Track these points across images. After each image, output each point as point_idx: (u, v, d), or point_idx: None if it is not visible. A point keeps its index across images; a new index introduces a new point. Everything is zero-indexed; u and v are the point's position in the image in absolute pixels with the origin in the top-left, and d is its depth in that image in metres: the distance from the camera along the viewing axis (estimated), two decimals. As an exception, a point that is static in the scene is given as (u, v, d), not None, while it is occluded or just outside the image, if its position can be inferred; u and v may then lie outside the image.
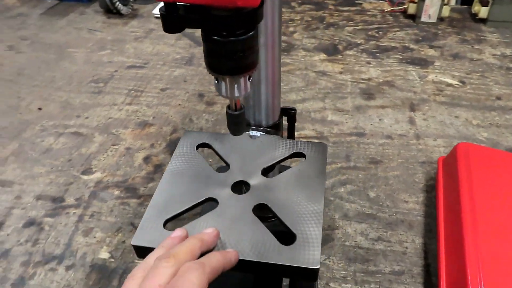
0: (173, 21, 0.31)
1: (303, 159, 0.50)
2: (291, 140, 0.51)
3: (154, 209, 0.43)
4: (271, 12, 0.45)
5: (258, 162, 0.48)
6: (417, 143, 0.83)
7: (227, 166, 0.48)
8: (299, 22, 1.32)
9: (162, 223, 0.41)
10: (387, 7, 1.39)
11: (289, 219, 0.42)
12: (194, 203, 0.43)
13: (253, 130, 0.54)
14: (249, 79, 0.37)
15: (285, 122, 0.59)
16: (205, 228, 0.40)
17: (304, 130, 0.87)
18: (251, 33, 0.33)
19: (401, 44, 1.19)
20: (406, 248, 0.64)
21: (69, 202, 0.73)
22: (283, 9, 1.40)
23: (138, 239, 0.40)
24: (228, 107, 0.40)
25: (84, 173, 0.79)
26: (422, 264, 0.62)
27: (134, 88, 1.04)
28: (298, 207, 0.43)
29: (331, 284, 0.60)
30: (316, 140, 0.84)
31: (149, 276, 0.33)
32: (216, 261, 0.35)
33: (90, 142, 0.87)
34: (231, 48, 0.32)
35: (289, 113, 0.59)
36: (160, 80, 1.06)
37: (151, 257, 0.35)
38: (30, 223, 0.70)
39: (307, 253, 0.39)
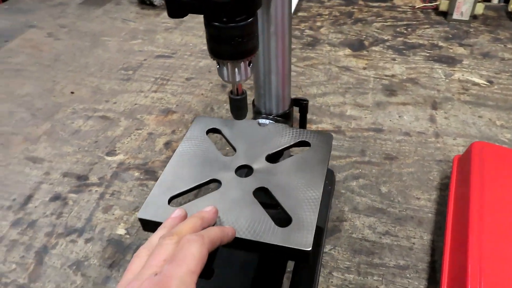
0: (176, 6, 0.33)
1: (308, 148, 0.51)
2: (298, 129, 0.53)
3: (161, 186, 0.46)
4: (281, 0, 0.46)
5: (263, 148, 0.50)
6: (435, 141, 0.82)
7: (234, 150, 0.50)
8: (327, 17, 1.32)
9: (167, 200, 0.44)
10: (419, 4, 1.36)
11: (287, 203, 0.43)
12: (198, 183, 0.46)
13: (263, 118, 0.55)
14: (249, 64, 0.39)
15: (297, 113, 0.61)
16: (207, 205, 0.42)
17: (322, 123, 0.88)
18: (250, 19, 0.35)
19: (430, 41, 1.16)
20: (413, 244, 0.64)
21: (92, 181, 0.78)
22: (311, 4, 1.40)
23: (144, 213, 0.43)
24: (231, 92, 0.41)
25: (108, 154, 0.84)
26: (428, 261, 0.62)
27: (160, 77, 1.08)
28: (297, 192, 0.44)
29: (334, 274, 0.61)
30: (333, 134, 0.85)
31: (154, 253, 0.35)
32: (214, 233, 0.37)
33: (116, 126, 0.92)
34: (231, 34, 0.34)
35: (301, 104, 0.60)
36: (186, 70, 1.10)
37: (154, 237, 0.38)
38: (56, 197, 0.75)
39: (301, 236, 0.40)
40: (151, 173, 0.79)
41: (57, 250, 0.66)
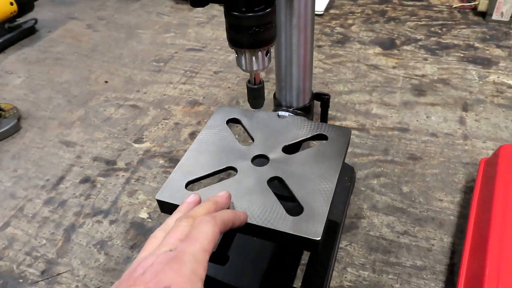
0: None
1: (326, 141, 0.51)
2: (316, 122, 0.53)
3: (179, 171, 0.48)
4: (305, -5, 0.47)
5: (280, 139, 0.51)
6: (463, 144, 0.80)
7: (252, 140, 0.51)
8: (359, 15, 1.30)
9: (184, 184, 0.46)
10: (456, 3, 1.32)
11: (300, 193, 0.44)
12: (215, 170, 0.47)
13: (282, 110, 0.56)
14: (266, 54, 0.40)
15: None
16: (222, 190, 0.44)
17: (346, 121, 0.88)
18: (268, 9, 0.35)
19: (465, 42, 1.13)
20: (432, 245, 0.63)
21: (119, 166, 0.81)
22: (344, 1, 1.39)
23: (162, 195, 0.45)
24: (248, 81, 0.42)
25: (135, 141, 0.87)
26: (446, 263, 0.61)
27: (190, 69, 1.10)
28: (311, 183, 0.45)
29: (349, 269, 0.61)
30: (356, 132, 0.84)
31: (170, 233, 0.37)
32: (227, 215, 0.39)
33: (145, 115, 0.95)
34: (249, 23, 0.35)
35: (323, 99, 0.61)
36: (215, 64, 1.12)
37: (170, 220, 0.40)
38: (85, 180, 0.79)
39: (311, 225, 0.41)
40: (175, 161, 0.81)
41: (83, 229, 0.69)
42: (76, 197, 0.75)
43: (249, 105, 0.48)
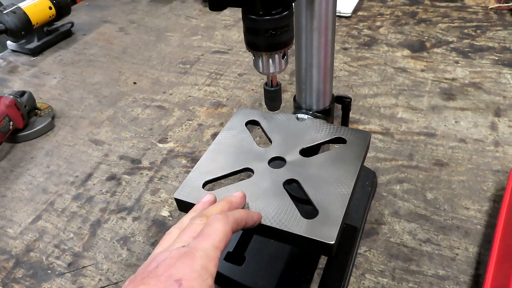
0: (216, 0, 0.36)
1: (344, 144, 0.51)
2: (335, 125, 0.53)
3: (198, 171, 0.48)
4: (325, -2, 0.47)
5: (298, 142, 0.51)
6: (494, 150, 0.77)
7: (270, 142, 0.52)
8: (388, 16, 1.28)
9: (202, 184, 0.47)
10: (493, 4, 1.27)
11: (316, 196, 0.44)
12: (232, 171, 0.48)
13: (302, 113, 0.56)
14: (283, 57, 0.40)
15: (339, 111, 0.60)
16: (239, 191, 0.44)
17: (369, 124, 0.86)
18: (285, 12, 0.36)
19: (501, 44, 1.08)
20: (457, 254, 0.61)
21: (144, 165, 0.84)
22: (373, 3, 1.37)
23: (180, 194, 0.46)
24: (265, 83, 0.43)
25: (160, 141, 0.89)
26: (471, 274, 0.59)
27: (215, 71, 1.12)
28: (327, 187, 0.45)
29: (367, 275, 0.60)
30: (380, 136, 0.83)
31: (184, 230, 0.38)
32: (239, 214, 0.39)
33: (170, 115, 0.97)
34: (266, 26, 0.36)
35: (344, 102, 0.60)
36: (240, 66, 1.13)
37: (186, 218, 0.41)
38: (111, 177, 0.81)
39: (326, 229, 0.40)
40: (196, 162, 0.81)
41: (108, 224, 0.72)
42: (102, 193, 0.78)
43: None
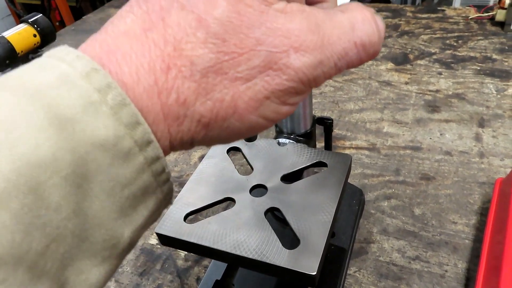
0: None
1: (325, 168, 0.51)
2: (316, 149, 0.53)
3: (179, 203, 0.48)
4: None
5: (280, 168, 0.51)
6: (479, 162, 0.77)
7: (251, 169, 0.52)
8: (371, 29, 1.29)
9: (183, 216, 0.46)
10: (473, 14, 1.29)
11: (297, 224, 0.44)
12: (213, 201, 0.48)
13: (283, 137, 0.56)
14: None
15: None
16: (219, 225, 0.44)
17: (356, 140, 0.86)
18: None
19: (482, 54, 1.10)
20: (446, 271, 0.61)
21: (132, 191, 0.83)
22: (356, 17, 1.38)
23: (161, 228, 0.45)
24: None
25: (148, 166, 0.89)
26: (460, 291, 0.58)
27: (203, 92, 1.12)
28: (308, 214, 0.44)
29: (357, 297, 0.59)
30: (366, 152, 0.83)
31: None
32: None
33: (158, 139, 0.97)
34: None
35: (325, 123, 0.60)
36: (227, 85, 1.13)
37: None
38: (99, 206, 0.81)
39: (307, 259, 0.40)
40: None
41: (95, 255, 0.71)
42: (89, 223, 0.77)
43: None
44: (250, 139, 0.45)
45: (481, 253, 0.58)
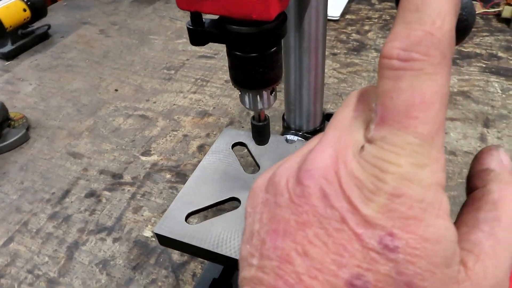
0: (198, 35, 0.32)
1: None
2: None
3: (180, 201, 0.45)
4: (315, 15, 0.44)
5: (288, 167, 0.48)
6: (484, 164, 0.76)
7: (258, 167, 0.49)
8: (376, 20, 1.26)
9: (184, 216, 0.43)
10: (479, 9, 1.26)
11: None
12: (217, 201, 0.45)
13: (291, 134, 0.53)
14: (271, 93, 0.37)
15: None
16: (222, 227, 0.41)
17: (359, 136, 0.84)
18: (272, 50, 0.33)
19: (488, 51, 1.08)
20: (449, 276, 0.59)
21: (126, 180, 0.80)
22: (361, 6, 1.35)
23: (160, 229, 0.43)
24: (253, 118, 0.40)
25: (143, 154, 0.86)
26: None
27: (201, 78, 1.08)
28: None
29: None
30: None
31: None
32: None
33: (153, 126, 0.93)
34: (253, 64, 0.33)
35: (334, 120, 0.57)
36: (226, 72, 1.09)
37: None
38: (91, 194, 0.78)
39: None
40: (182, 176, 0.79)
41: (87, 246, 0.68)
42: (80, 212, 0.74)
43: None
44: (262, 142, 0.42)
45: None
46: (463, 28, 0.20)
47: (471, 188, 0.23)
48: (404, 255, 0.16)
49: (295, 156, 0.21)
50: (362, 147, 0.18)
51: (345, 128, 0.20)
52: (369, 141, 0.18)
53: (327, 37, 1.20)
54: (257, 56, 0.32)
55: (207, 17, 0.34)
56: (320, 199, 0.18)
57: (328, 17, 1.26)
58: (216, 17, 0.32)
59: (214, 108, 0.97)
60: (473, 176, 0.23)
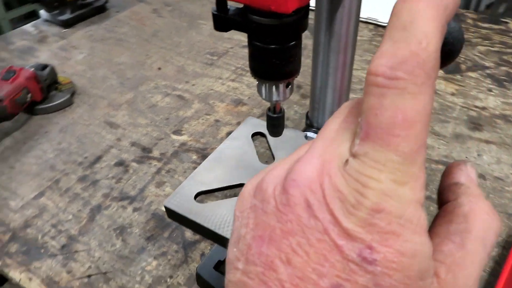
0: (221, 21, 0.34)
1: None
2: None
3: (193, 179, 0.48)
4: (348, 14, 0.44)
5: (301, 163, 0.49)
6: (514, 192, 0.73)
7: (273, 158, 0.50)
8: (427, 31, 1.22)
9: (194, 195, 0.46)
10: (541, 31, 1.19)
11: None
12: (227, 185, 0.47)
13: (312, 131, 0.54)
14: (287, 86, 0.38)
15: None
16: (228, 210, 0.43)
17: (387, 145, 0.83)
18: (291, 44, 0.34)
19: (542, 76, 1.02)
20: (454, 299, 0.58)
21: (154, 155, 0.84)
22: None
23: (170, 202, 0.45)
24: (268, 109, 0.41)
25: (174, 132, 0.89)
26: (465, 322, 0.56)
27: (241, 67, 1.10)
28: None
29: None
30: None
31: None
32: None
33: (188, 107, 0.97)
34: (271, 55, 0.34)
35: (358, 124, 0.57)
36: (265, 64, 1.11)
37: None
38: (120, 163, 0.82)
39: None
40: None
41: (108, 211, 0.72)
42: (108, 178, 0.79)
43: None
44: (276, 133, 0.43)
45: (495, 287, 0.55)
46: (448, 51, 0.21)
47: (443, 201, 0.23)
48: (381, 268, 0.17)
49: (284, 163, 0.22)
50: (347, 161, 0.19)
51: (333, 139, 0.21)
52: (353, 155, 0.19)
53: (373, 43, 1.18)
54: (276, 48, 0.33)
55: (233, 4, 0.35)
56: (305, 209, 0.19)
57: (378, 22, 1.24)
58: (241, 6, 0.34)
59: (249, 98, 0.99)
60: (444, 189, 0.23)
